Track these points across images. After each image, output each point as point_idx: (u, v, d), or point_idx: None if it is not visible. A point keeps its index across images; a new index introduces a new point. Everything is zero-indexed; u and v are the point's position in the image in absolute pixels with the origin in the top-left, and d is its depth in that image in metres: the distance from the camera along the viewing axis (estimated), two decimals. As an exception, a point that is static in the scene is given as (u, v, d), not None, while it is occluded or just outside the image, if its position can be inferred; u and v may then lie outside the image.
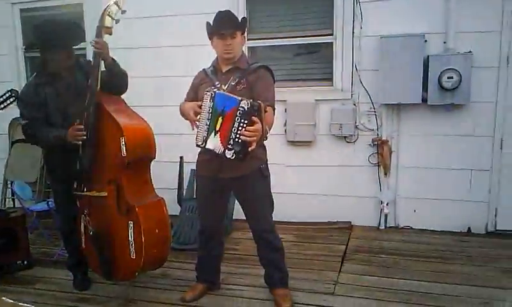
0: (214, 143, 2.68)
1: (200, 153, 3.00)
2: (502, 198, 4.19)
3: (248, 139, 2.54)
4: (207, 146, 2.72)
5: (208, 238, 3.18)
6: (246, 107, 2.53)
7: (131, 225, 2.94)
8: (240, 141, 2.55)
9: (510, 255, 3.80)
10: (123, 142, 2.88)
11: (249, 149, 2.58)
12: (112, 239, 3.06)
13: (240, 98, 2.58)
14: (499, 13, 3.93)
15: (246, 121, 2.54)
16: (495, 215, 4.24)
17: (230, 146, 2.59)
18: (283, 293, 3.14)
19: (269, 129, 2.79)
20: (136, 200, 2.97)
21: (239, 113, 2.55)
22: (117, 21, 2.99)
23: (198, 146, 2.80)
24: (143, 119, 3.09)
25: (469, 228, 4.29)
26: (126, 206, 2.96)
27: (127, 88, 3.18)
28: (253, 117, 2.54)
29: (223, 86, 2.82)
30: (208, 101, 2.70)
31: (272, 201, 3.11)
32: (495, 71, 4.00)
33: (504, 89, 4.01)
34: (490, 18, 3.95)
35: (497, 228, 4.25)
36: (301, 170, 4.55)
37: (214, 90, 2.72)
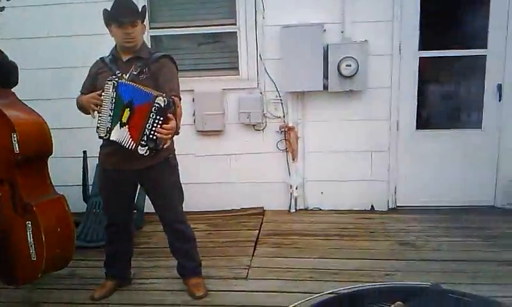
0: (120, 135, 2.61)
1: (102, 146, 2.89)
2: (400, 176, 4.51)
3: (164, 137, 2.51)
4: (111, 138, 2.64)
5: (115, 233, 3.08)
6: (162, 104, 2.49)
7: (29, 225, 2.76)
8: (154, 138, 2.51)
9: (408, 229, 4.10)
10: (15, 138, 2.69)
11: (164, 146, 2.55)
12: (10, 241, 2.85)
13: (155, 94, 2.52)
14: (390, 3, 4.20)
15: (161, 119, 2.50)
16: (395, 193, 4.56)
17: (143, 142, 2.53)
18: (197, 282, 3.14)
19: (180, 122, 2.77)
20: (33, 198, 2.79)
21: (154, 110, 2.49)
22: (1, 9, 2.78)
23: (100, 137, 2.70)
24: (36, 113, 2.90)
25: (372, 206, 4.57)
26: (22, 205, 2.77)
27: (17, 81, 2.97)
28: (169, 114, 2.51)
29: (124, 75, 2.73)
30: (110, 90, 2.62)
31: (182, 191, 3.09)
32: (388, 58, 4.27)
33: (397, 75, 4.30)
34: (382, 8, 4.20)
35: (397, 205, 4.57)
36: (211, 159, 4.55)
37: (116, 79, 2.64)
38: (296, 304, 1.47)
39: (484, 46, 4.20)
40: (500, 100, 4.22)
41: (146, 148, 2.54)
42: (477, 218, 4.20)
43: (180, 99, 2.83)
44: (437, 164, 4.39)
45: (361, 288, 1.59)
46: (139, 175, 2.89)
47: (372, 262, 3.51)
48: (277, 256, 3.70)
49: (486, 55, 4.22)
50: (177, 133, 2.73)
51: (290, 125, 4.39)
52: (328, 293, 1.58)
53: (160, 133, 2.50)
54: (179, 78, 2.91)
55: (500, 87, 4.21)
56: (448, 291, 1.52)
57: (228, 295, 3.10)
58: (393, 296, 1.57)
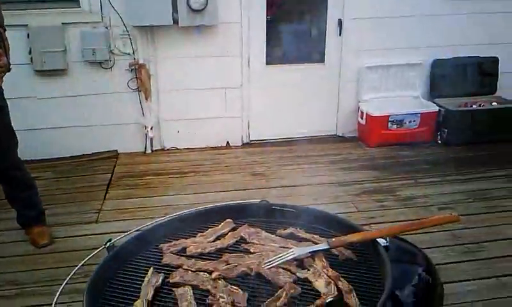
0: None
1: None
2: (252, 112, 4.65)
3: None
4: None
5: None
6: None
7: None
8: None
9: (260, 161, 4.30)
10: None
11: None
12: None
13: None
14: None
15: None
16: (248, 128, 4.71)
17: None
18: (40, 231, 2.97)
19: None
20: None
21: None
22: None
23: None
24: None
25: (228, 142, 4.68)
26: None
27: None
28: None
29: None
30: None
31: (15, 135, 2.83)
32: (237, -8, 4.26)
33: (248, 10, 4.33)
34: None
35: (251, 139, 4.74)
36: (56, 102, 4.18)
37: None
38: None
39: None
40: (340, 35, 4.52)
41: None
42: (321, 146, 4.56)
43: (4, 30, 2.54)
44: (286, 99, 4.59)
45: (192, 210, 1.61)
46: None
47: (226, 193, 3.64)
48: (130, 197, 3.63)
49: (327, -9, 4.44)
50: (9, 70, 2.51)
51: (140, 62, 4.19)
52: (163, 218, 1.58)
53: None
54: (6, 10, 2.59)
55: (340, 22, 4.49)
56: (274, 205, 1.61)
57: (76, 240, 2.98)
58: (224, 215, 1.62)
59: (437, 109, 4.52)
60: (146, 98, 4.31)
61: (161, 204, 3.45)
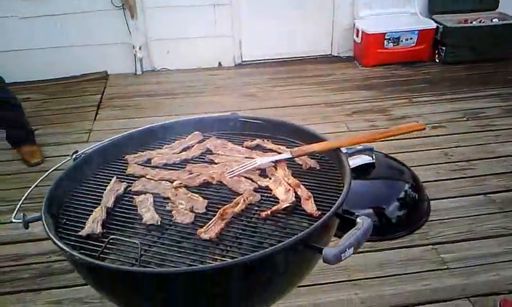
0: None
1: None
2: (243, 31, 4.51)
3: None
4: None
5: None
6: None
7: None
8: None
9: (252, 82, 4.23)
10: None
11: None
12: None
13: None
14: None
15: None
16: (240, 48, 4.59)
17: None
18: (31, 150, 3.00)
19: None
20: None
21: None
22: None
23: None
24: None
25: (219, 63, 4.58)
26: None
27: None
28: None
29: None
30: None
31: None
32: None
33: None
34: None
35: (243, 60, 4.64)
36: (39, 21, 4.06)
37: None
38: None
39: None
40: None
41: None
42: (314, 67, 4.46)
43: None
44: (279, 17, 4.43)
45: (161, 123, 1.60)
46: None
47: (219, 113, 3.60)
48: (120, 118, 3.62)
49: None
50: None
51: (124, -23, 4.03)
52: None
53: None
54: None
55: None
56: (244, 117, 1.58)
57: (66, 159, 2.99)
58: (192, 128, 1.60)
59: (435, 25, 4.35)
60: (132, 16, 4.17)
61: (149, 124, 3.43)
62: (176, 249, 1.08)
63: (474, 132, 3.32)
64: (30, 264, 2.24)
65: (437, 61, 4.47)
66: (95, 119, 3.59)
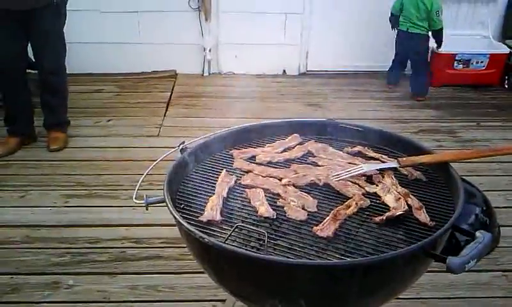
0: None
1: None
2: (311, 41, 4.54)
3: None
4: None
5: (8, 82, 2.91)
6: None
7: None
8: None
9: (317, 92, 4.26)
10: None
11: None
12: None
13: None
14: None
15: None
16: (306, 57, 4.63)
17: None
18: (56, 137, 3.12)
19: None
20: None
21: None
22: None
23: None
24: None
25: (284, 70, 4.63)
26: None
27: None
28: None
29: None
30: None
31: (64, 44, 2.98)
32: None
33: None
34: None
35: (308, 69, 4.67)
36: (118, 17, 4.22)
37: None
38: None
39: None
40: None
41: None
42: (380, 82, 4.43)
43: None
44: (348, 29, 4.42)
45: (262, 123, 1.65)
46: (24, 17, 2.74)
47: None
48: (189, 116, 3.72)
49: None
50: None
51: (203, -20, 4.15)
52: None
53: None
54: None
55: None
56: (341, 123, 1.61)
57: (139, 151, 3.11)
58: (290, 130, 1.64)
59: (508, 51, 4.26)
60: (206, 19, 4.29)
61: (218, 125, 3.45)
62: (293, 242, 1.12)
63: (545, 161, 3.22)
64: (106, 248, 2.32)
65: (506, 86, 4.36)
66: (164, 115, 3.70)
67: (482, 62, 4.27)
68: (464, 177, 2.87)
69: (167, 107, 3.84)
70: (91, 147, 3.18)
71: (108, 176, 2.84)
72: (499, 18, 4.45)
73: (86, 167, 2.95)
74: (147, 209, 1.29)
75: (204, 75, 4.51)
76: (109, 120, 3.55)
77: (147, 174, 1.43)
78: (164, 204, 1.20)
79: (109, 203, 2.62)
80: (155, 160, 1.51)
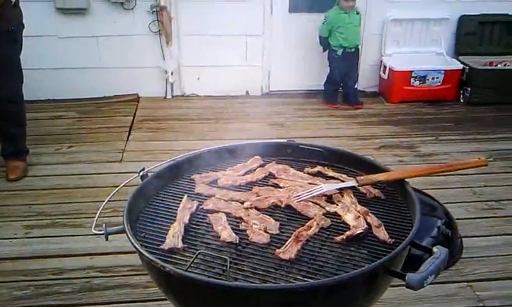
0: None
1: None
2: (273, 62, 4.61)
3: None
4: None
5: None
6: None
7: None
8: None
9: (279, 111, 4.30)
10: None
11: None
12: None
13: None
14: None
15: None
16: (268, 78, 4.69)
17: None
18: (14, 165, 3.05)
19: None
20: None
21: None
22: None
23: None
24: None
25: (247, 91, 4.67)
26: None
27: None
28: None
29: None
30: None
31: (21, 71, 2.93)
32: None
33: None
34: None
35: (270, 89, 4.73)
36: (77, 42, 4.18)
37: None
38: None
39: None
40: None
41: None
42: (340, 100, 4.53)
43: None
44: (307, 49, 4.53)
45: (221, 146, 1.65)
46: None
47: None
48: (152, 140, 3.69)
49: None
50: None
51: (162, 4, 4.15)
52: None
53: None
54: None
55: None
56: (300, 144, 1.64)
57: (101, 177, 3.05)
58: (251, 152, 1.65)
59: (461, 66, 4.44)
60: (167, 42, 4.29)
61: (182, 148, 3.46)
62: (256, 266, 1.12)
63: (502, 172, 3.34)
64: (70, 279, 2.25)
65: (462, 101, 4.54)
66: (127, 139, 3.65)
67: (437, 78, 4.44)
68: (425, 190, 2.97)
69: (129, 131, 3.79)
70: (52, 175, 3.10)
71: (70, 205, 2.78)
72: (451, 35, 4.64)
73: (47, 196, 2.88)
74: (107, 239, 1.27)
75: (167, 97, 4.50)
76: (70, 147, 3.47)
77: (108, 201, 1.40)
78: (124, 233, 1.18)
79: (72, 232, 2.56)
80: (117, 186, 1.49)
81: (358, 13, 4.28)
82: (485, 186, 3.14)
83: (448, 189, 3.08)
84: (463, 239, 2.64)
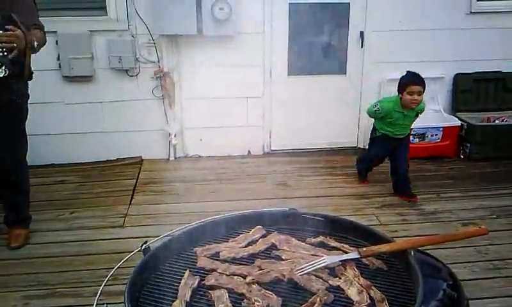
0: None
1: None
2: (274, 122, 4.69)
3: (6, 45, 2.41)
4: None
5: None
6: None
7: None
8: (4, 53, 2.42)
9: (281, 171, 4.33)
10: None
11: (12, 54, 2.44)
12: None
13: None
14: None
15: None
16: (270, 137, 4.75)
17: None
18: (17, 233, 3.03)
19: (40, 43, 2.68)
20: None
21: None
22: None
23: None
24: None
25: (249, 151, 4.72)
26: None
27: None
28: (7, 26, 2.42)
29: None
30: None
31: (26, 141, 2.96)
32: (260, 3, 4.30)
33: (270, 20, 4.38)
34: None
35: (272, 149, 4.78)
36: (82, 108, 4.28)
37: None
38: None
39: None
40: (362, 47, 4.55)
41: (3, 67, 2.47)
42: (342, 158, 4.58)
43: (44, 31, 2.77)
44: (307, 109, 4.62)
45: (223, 216, 1.65)
46: None
47: (249, 202, 3.66)
48: (155, 203, 3.69)
49: (349, 3, 4.47)
50: (33, 48, 2.61)
51: (165, 70, 4.28)
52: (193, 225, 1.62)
53: (2, 41, 2.40)
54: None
55: (362, 34, 4.52)
56: (303, 213, 1.64)
57: (103, 244, 3.03)
58: (253, 222, 1.66)
59: (459, 123, 4.50)
60: (170, 106, 4.39)
61: (185, 210, 3.49)
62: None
63: (506, 230, 3.31)
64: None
65: (462, 157, 4.57)
66: (130, 203, 3.66)
67: (436, 135, 4.49)
68: (428, 251, 2.93)
69: (132, 195, 3.80)
70: (53, 242, 3.07)
71: (70, 273, 2.73)
72: (447, 93, 4.74)
73: (47, 264, 2.84)
74: (108, 320, 1.25)
75: (170, 159, 4.54)
76: (72, 212, 3.47)
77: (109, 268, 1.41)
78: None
79: (71, 302, 2.50)
80: (118, 253, 1.49)
81: (417, 115, 3.75)
82: (490, 244, 3.10)
83: (453, 248, 3.03)
84: (470, 301, 2.58)
